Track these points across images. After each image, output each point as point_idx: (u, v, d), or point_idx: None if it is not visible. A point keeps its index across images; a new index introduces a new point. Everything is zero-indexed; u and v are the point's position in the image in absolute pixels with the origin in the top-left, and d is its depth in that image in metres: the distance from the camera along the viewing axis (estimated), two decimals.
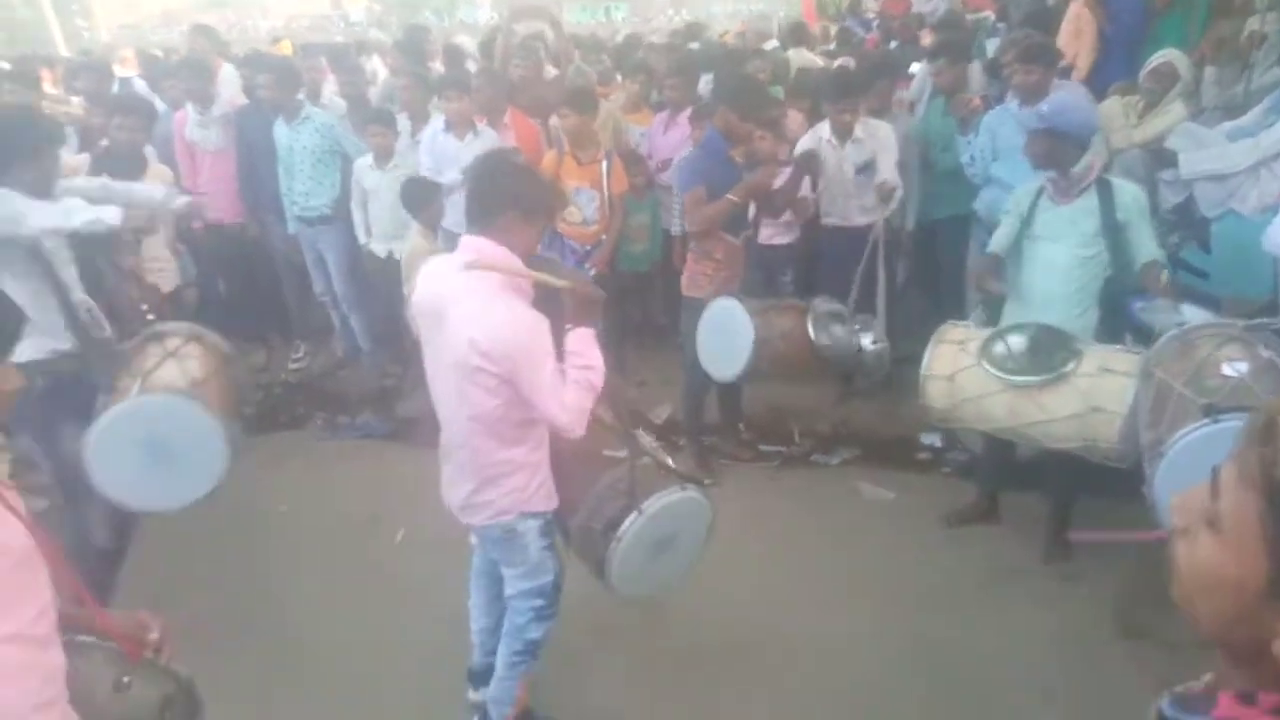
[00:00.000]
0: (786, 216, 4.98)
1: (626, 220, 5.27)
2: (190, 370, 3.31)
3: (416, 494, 4.45)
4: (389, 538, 4.15)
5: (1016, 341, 3.42)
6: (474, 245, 2.39)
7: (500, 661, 2.84)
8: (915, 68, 6.16)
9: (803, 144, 4.70)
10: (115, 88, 6.20)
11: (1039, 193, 3.61)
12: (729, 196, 4.01)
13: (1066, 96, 3.56)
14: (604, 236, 5.11)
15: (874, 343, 4.05)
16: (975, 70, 5.98)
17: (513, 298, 2.35)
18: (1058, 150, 3.43)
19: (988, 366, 3.39)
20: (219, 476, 3.20)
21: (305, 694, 3.24)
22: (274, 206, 5.53)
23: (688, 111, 5.28)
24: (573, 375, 2.39)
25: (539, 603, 2.73)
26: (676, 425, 4.86)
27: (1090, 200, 3.47)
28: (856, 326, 4.04)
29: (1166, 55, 4.70)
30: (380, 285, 5.28)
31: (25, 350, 2.63)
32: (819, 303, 4.05)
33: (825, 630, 3.46)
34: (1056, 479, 3.76)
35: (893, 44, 7.91)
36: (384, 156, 5.09)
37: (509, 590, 2.77)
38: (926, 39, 6.93)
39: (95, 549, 3.36)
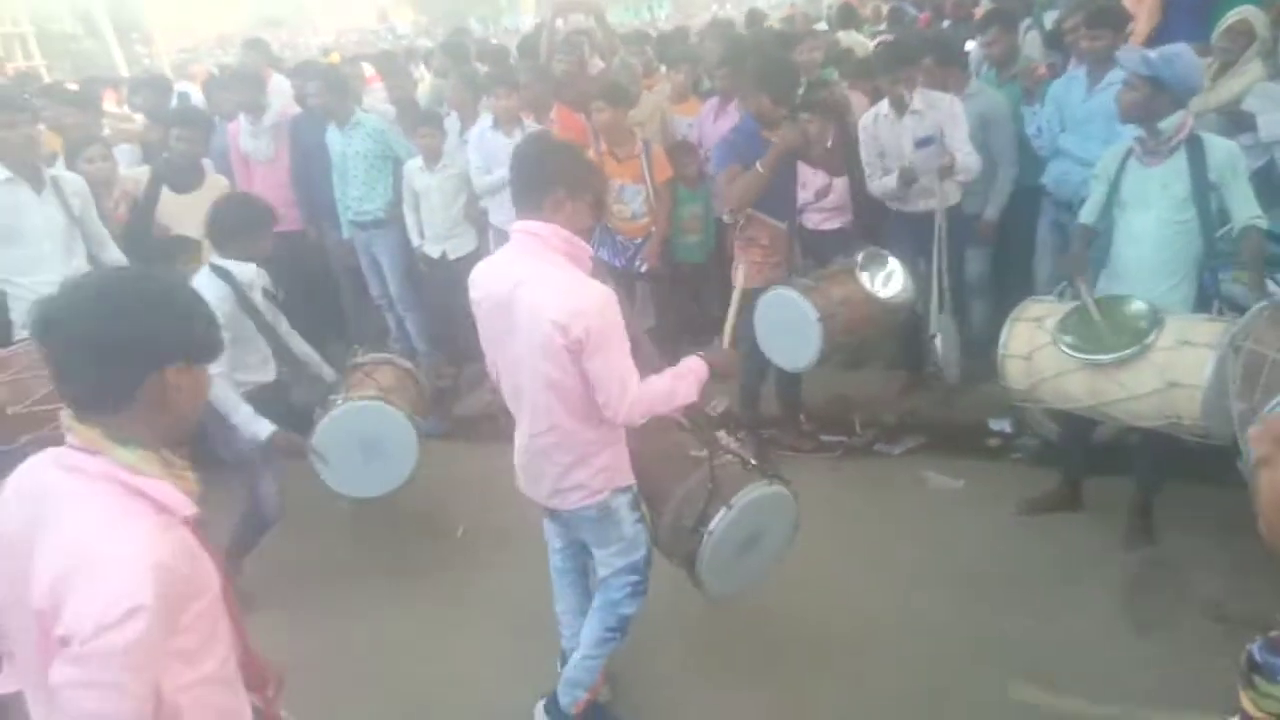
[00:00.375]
0: (832, 199, 4.88)
1: (679, 211, 5.21)
2: (380, 380, 3.94)
3: (475, 491, 4.51)
4: (449, 534, 4.15)
5: (1094, 315, 3.25)
6: (529, 229, 2.39)
7: (589, 639, 2.80)
8: (970, 45, 5.98)
9: (863, 123, 4.56)
10: (173, 102, 6.35)
11: (1126, 155, 3.37)
12: (757, 167, 3.91)
13: (1179, 46, 3.28)
14: (654, 229, 5.05)
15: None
16: (1034, 40, 5.79)
17: (579, 272, 2.37)
18: (1154, 103, 3.17)
19: (1063, 345, 3.23)
20: (414, 462, 3.85)
21: (369, 689, 3.24)
22: (328, 212, 5.60)
23: (738, 99, 5.19)
24: (663, 381, 2.44)
25: (634, 579, 2.71)
26: (734, 418, 4.78)
27: (1180, 160, 3.22)
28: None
29: (1243, 12, 4.44)
30: (434, 287, 5.30)
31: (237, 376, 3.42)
32: (861, 256, 3.95)
33: (896, 620, 3.35)
34: (1141, 462, 3.58)
35: (945, 23, 7.71)
36: (433, 158, 5.11)
37: (603, 571, 2.74)
38: (979, 14, 6.73)
39: (261, 521, 3.78)
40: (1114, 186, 3.39)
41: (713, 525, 2.62)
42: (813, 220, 4.92)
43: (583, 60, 5.98)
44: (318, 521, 4.33)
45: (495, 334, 2.48)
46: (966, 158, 4.23)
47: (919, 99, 4.34)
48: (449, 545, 4.10)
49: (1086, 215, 3.54)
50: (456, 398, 5.47)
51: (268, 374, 3.71)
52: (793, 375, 4.32)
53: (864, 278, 3.85)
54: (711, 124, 5.40)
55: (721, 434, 2.87)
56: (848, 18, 7.59)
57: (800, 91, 4.44)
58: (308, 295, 5.90)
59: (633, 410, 2.37)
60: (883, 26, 7.70)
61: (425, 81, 7.01)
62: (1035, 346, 3.34)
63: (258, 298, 3.59)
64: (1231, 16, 4.48)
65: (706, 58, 5.85)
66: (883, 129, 4.43)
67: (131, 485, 1.40)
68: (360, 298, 5.87)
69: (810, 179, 4.87)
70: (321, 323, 5.97)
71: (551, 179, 2.37)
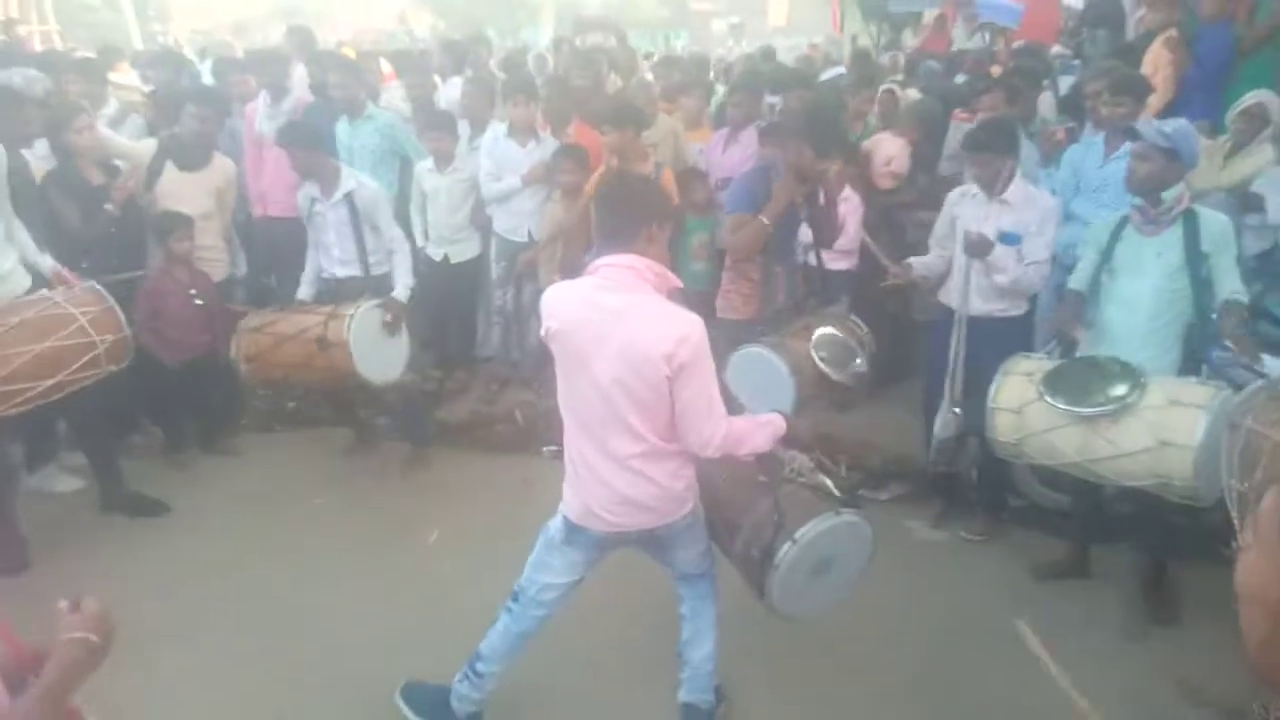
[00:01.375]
0: (843, 242, 4.86)
1: (686, 238, 5.18)
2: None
3: (452, 497, 4.44)
4: (423, 538, 4.07)
5: (1079, 372, 3.27)
6: (624, 262, 2.47)
7: (705, 630, 2.89)
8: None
9: (950, 198, 4.17)
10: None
11: (1120, 224, 3.47)
12: (760, 218, 3.85)
13: (1184, 122, 3.44)
14: None
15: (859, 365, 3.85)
16: (1046, 102, 5.85)
17: (668, 301, 2.49)
18: (1168, 173, 3.30)
19: (1049, 398, 3.23)
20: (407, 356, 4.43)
21: (335, 692, 3.15)
22: None
23: (749, 129, 5.20)
24: (744, 423, 2.55)
25: (710, 564, 2.86)
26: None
27: (1176, 231, 3.34)
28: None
29: (1258, 96, 4.52)
30: (431, 289, 5.23)
31: None
32: (822, 324, 3.87)
33: (875, 671, 3.29)
34: (1149, 531, 3.58)
35: (959, 78, 7.78)
36: (444, 160, 5.07)
37: (694, 569, 2.83)
38: (996, 73, 6.80)
39: None
40: (1106, 255, 3.48)
41: (778, 559, 2.63)
42: (825, 258, 4.90)
43: (600, 76, 5.99)
44: (288, 517, 4.25)
45: (577, 362, 2.50)
46: (1033, 270, 3.85)
47: (1015, 191, 3.89)
48: (421, 550, 4.00)
49: (1077, 282, 3.61)
50: (441, 402, 5.40)
51: None
52: None
53: (815, 355, 3.75)
54: (720, 154, 5.40)
55: (794, 454, 2.90)
56: (864, 66, 7.64)
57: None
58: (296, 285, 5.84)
59: (718, 440, 2.46)
60: (900, 77, 7.76)
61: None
62: (1025, 401, 3.32)
63: None
64: (1247, 99, 4.55)
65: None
66: (967, 208, 4.01)
67: None
68: None
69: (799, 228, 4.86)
70: None
71: (646, 215, 2.50)
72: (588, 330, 2.46)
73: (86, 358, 3.68)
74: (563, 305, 2.54)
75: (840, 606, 3.56)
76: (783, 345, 3.78)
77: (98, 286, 3.91)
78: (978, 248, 3.78)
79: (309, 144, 4.31)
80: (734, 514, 2.80)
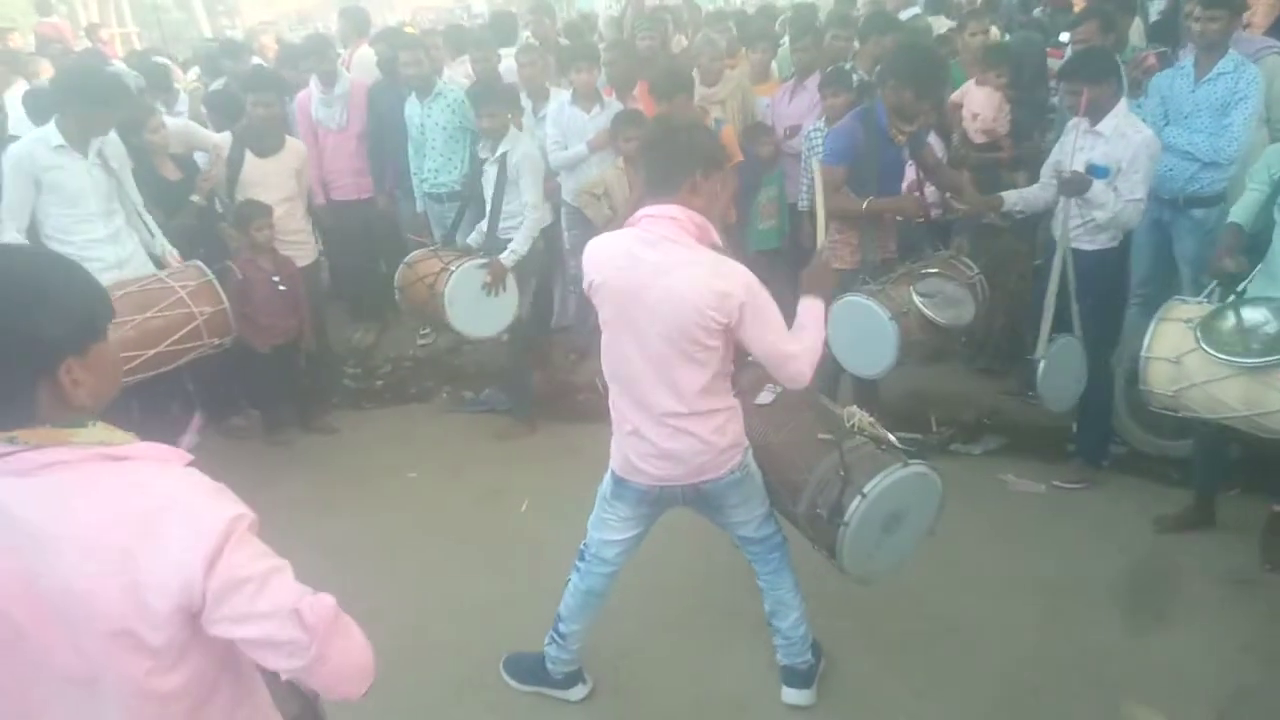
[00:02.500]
0: (928, 194, 4.69)
1: (755, 196, 5.09)
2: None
3: (538, 466, 4.50)
4: (514, 507, 4.15)
5: (1249, 318, 3.03)
6: (666, 212, 2.38)
7: (788, 600, 2.85)
8: (1065, 36, 5.71)
9: (1068, 125, 3.93)
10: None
11: None
12: (862, 205, 3.73)
13: None
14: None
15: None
16: (1136, 28, 5.52)
17: (714, 254, 2.38)
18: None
19: (1207, 347, 3.00)
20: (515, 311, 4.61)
21: (431, 661, 3.24)
22: (401, 183, 5.63)
23: (815, 76, 5.05)
24: (808, 332, 2.46)
25: (774, 524, 2.79)
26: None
27: None
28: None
29: None
30: None
31: None
32: (928, 268, 3.74)
33: (971, 624, 3.23)
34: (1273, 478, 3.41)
35: (1037, 10, 7.40)
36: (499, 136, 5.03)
37: (755, 534, 2.76)
38: (1078, 3, 6.43)
39: None
40: (1278, 185, 3.19)
41: (848, 516, 2.55)
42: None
43: (666, 37, 5.89)
44: (383, 491, 4.38)
45: (618, 316, 2.46)
46: (1131, 208, 3.65)
47: (1109, 123, 3.70)
48: (514, 519, 4.08)
49: (1239, 215, 3.33)
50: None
51: None
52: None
53: (918, 299, 3.63)
54: (787, 105, 5.26)
55: (853, 410, 2.77)
56: (938, 2, 7.31)
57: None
58: (375, 263, 5.97)
59: (808, 366, 2.40)
60: (978, 5, 7.37)
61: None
62: (1184, 350, 3.10)
63: None
64: None
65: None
66: (1066, 139, 3.86)
67: (119, 455, 1.27)
68: None
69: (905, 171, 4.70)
70: (389, 292, 6.02)
71: (690, 163, 2.38)
72: (628, 283, 2.39)
73: (187, 328, 3.86)
74: (603, 258, 2.47)
75: (938, 563, 3.54)
76: (883, 292, 3.69)
77: (199, 263, 4.11)
78: (1071, 185, 3.61)
79: (498, 102, 4.60)
80: (794, 474, 2.71)
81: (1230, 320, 3.05)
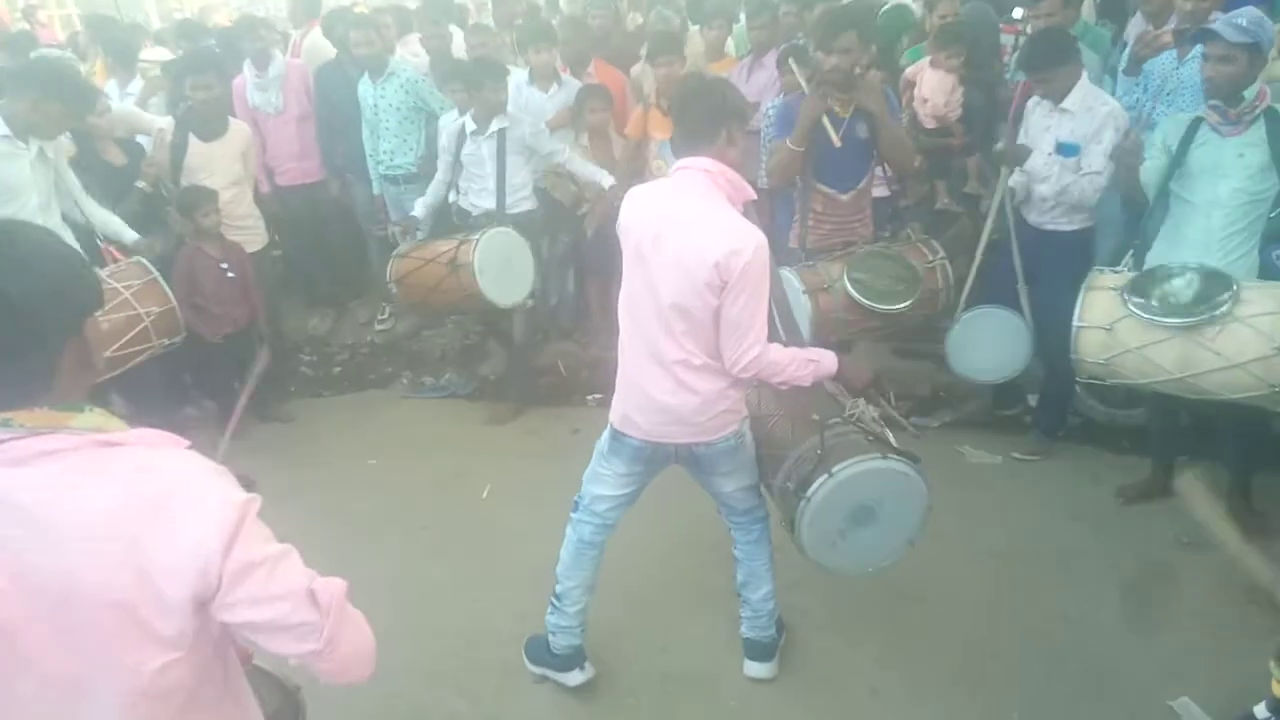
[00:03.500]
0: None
1: None
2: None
3: (501, 450, 4.48)
4: (476, 493, 4.12)
5: (1173, 282, 3.10)
6: (700, 165, 2.40)
7: (760, 573, 2.88)
8: (1018, 12, 5.75)
9: (1029, 105, 3.92)
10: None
11: (1193, 126, 3.26)
12: (786, 144, 3.68)
13: (1253, 9, 3.17)
14: None
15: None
16: (1088, 6, 5.57)
17: (736, 211, 2.41)
18: (1252, 71, 3.08)
19: (1141, 311, 3.07)
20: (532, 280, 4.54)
21: (398, 643, 3.20)
22: (356, 166, 5.51)
23: (772, 53, 5.04)
24: (786, 353, 2.45)
25: (757, 501, 2.80)
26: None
27: (1258, 131, 3.13)
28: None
29: None
30: None
31: None
32: (875, 250, 3.75)
33: (933, 594, 3.28)
34: (1234, 446, 3.48)
35: None
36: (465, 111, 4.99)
37: (741, 505, 2.79)
38: None
39: None
40: (1177, 159, 3.28)
41: (811, 491, 2.50)
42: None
43: (618, 14, 5.84)
44: (342, 477, 4.33)
45: (637, 261, 2.48)
46: (1085, 181, 3.67)
47: (1075, 98, 3.70)
48: (476, 505, 4.06)
49: (1149, 178, 3.42)
50: (484, 357, 5.42)
51: None
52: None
53: (849, 278, 3.65)
54: (745, 82, 5.24)
55: (860, 402, 2.69)
56: None
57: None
58: (327, 250, 5.86)
59: (749, 362, 2.40)
60: None
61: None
62: (1116, 317, 3.15)
63: None
64: None
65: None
66: (1033, 118, 3.87)
67: (116, 441, 1.24)
68: (388, 255, 5.78)
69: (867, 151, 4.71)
70: (345, 279, 5.94)
71: (725, 114, 2.41)
72: (648, 231, 2.43)
73: (134, 331, 3.73)
74: (634, 203, 2.53)
75: None
76: (813, 267, 3.70)
77: (143, 260, 3.97)
78: (1006, 156, 3.67)
79: (496, 77, 4.49)
80: (780, 449, 2.73)
81: (1156, 285, 3.12)
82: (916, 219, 4.73)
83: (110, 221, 4.15)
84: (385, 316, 5.85)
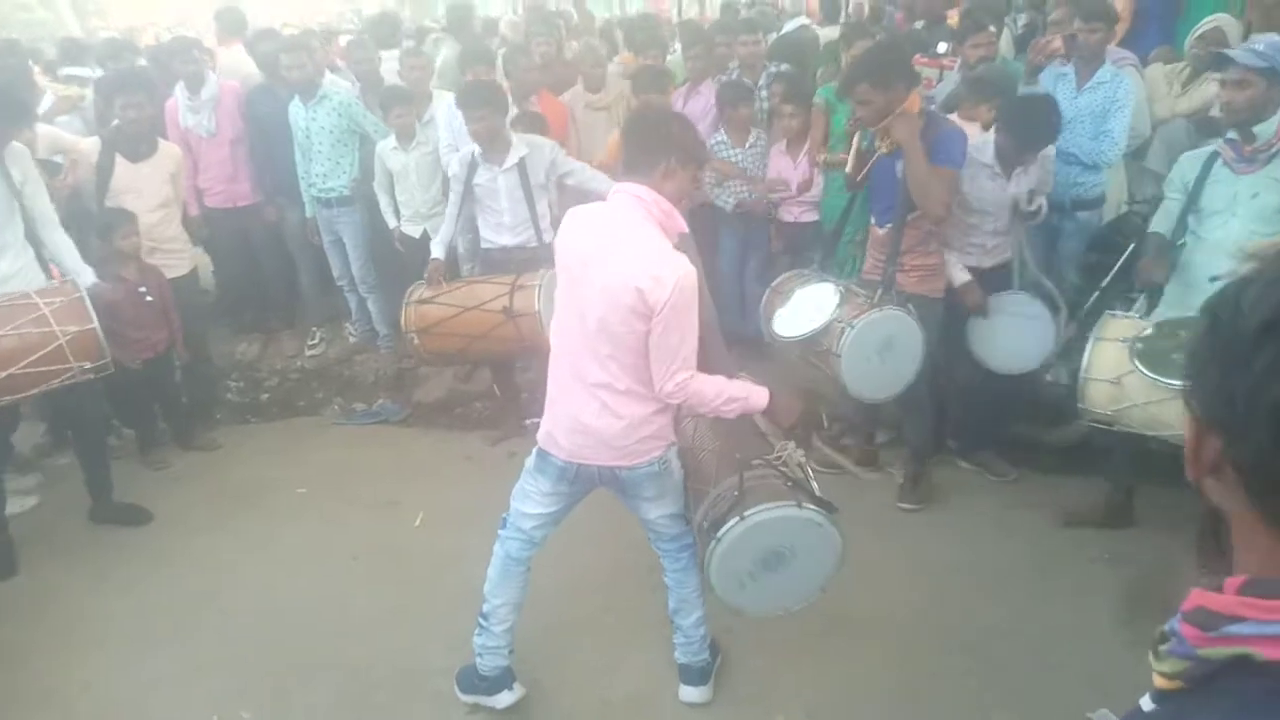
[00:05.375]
0: (814, 194, 4.84)
1: None
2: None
3: (434, 477, 4.40)
4: (408, 521, 4.04)
5: (1177, 337, 3.02)
6: (635, 191, 2.43)
7: (695, 617, 2.88)
8: (942, 47, 5.98)
9: (975, 142, 3.80)
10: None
11: (1209, 161, 3.20)
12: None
13: (1275, 37, 3.11)
14: None
15: None
16: (1006, 40, 5.82)
17: (667, 243, 2.42)
18: (1270, 97, 2.98)
19: (1146, 370, 2.99)
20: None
21: (327, 676, 3.12)
22: (287, 189, 5.41)
23: (707, 82, 5.17)
24: (716, 384, 2.46)
25: (684, 524, 2.78)
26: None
27: (1274, 170, 3.04)
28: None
29: (1216, 20, 4.52)
30: (408, 267, 5.08)
31: None
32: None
33: (871, 613, 3.31)
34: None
35: (919, 24, 7.72)
36: (407, 137, 4.96)
37: (668, 531, 2.78)
38: (953, 19, 6.73)
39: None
40: (1193, 195, 3.23)
41: (722, 532, 2.50)
42: (792, 213, 4.89)
43: (560, 42, 5.89)
44: (271, 506, 4.21)
45: (569, 283, 2.50)
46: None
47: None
48: (409, 533, 3.97)
49: (1160, 225, 3.37)
50: (417, 383, 5.34)
51: None
52: None
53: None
54: (681, 109, 5.33)
55: (790, 445, 2.70)
56: (833, 13, 7.55)
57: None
58: (257, 274, 5.72)
59: (675, 389, 2.41)
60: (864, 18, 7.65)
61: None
62: (1123, 371, 3.11)
63: None
64: (1205, 24, 4.55)
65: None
66: (980, 179, 3.79)
67: None
68: (320, 279, 5.68)
69: (791, 173, 4.83)
70: (274, 303, 5.81)
71: (666, 148, 2.44)
72: (579, 253, 2.45)
73: (47, 348, 3.52)
74: (569, 224, 2.55)
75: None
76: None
77: (74, 280, 3.78)
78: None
79: (491, 105, 4.21)
80: (705, 484, 2.72)
81: (1166, 341, 3.04)
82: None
83: (67, 255, 3.91)
84: (316, 341, 5.73)
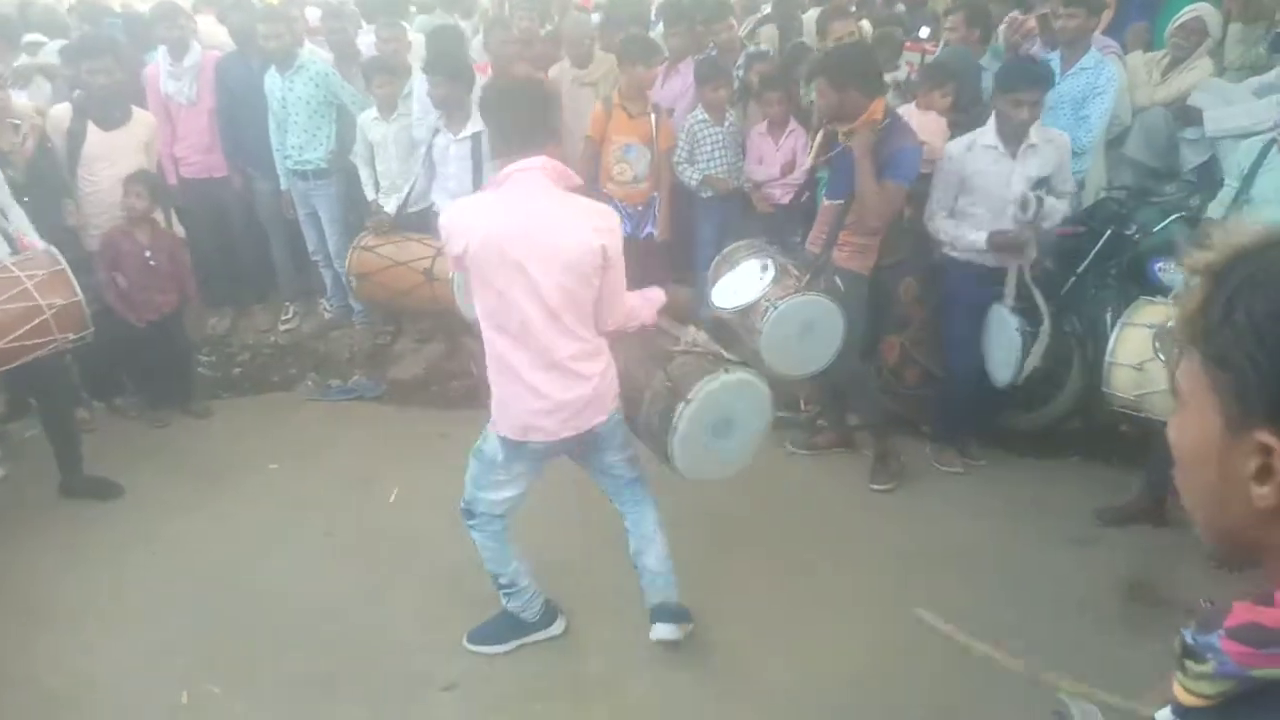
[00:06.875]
0: (797, 175, 4.82)
1: None
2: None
3: (409, 454, 4.37)
4: (382, 498, 4.02)
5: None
6: (539, 164, 2.51)
7: (653, 534, 2.94)
8: (924, 32, 5.96)
9: (949, 152, 3.80)
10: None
11: (1265, 150, 3.12)
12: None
13: None
14: (655, 194, 4.91)
15: None
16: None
17: (587, 199, 2.64)
18: None
19: (1163, 357, 2.98)
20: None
21: (299, 654, 3.11)
22: (258, 161, 5.30)
23: (687, 61, 5.13)
24: (634, 298, 2.74)
25: (637, 466, 2.91)
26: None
27: None
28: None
29: (1196, 10, 4.52)
30: None
31: None
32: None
33: (846, 592, 3.35)
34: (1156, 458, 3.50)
35: (899, 6, 7.68)
36: (388, 107, 4.88)
37: (627, 475, 2.89)
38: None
39: None
40: (1246, 182, 3.16)
41: (675, 420, 2.69)
42: (773, 196, 4.87)
43: (544, 17, 5.82)
44: (244, 482, 4.17)
45: (509, 272, 2.48)
46: (1062, 203, 3.75)
47: (1036, 133, 3.64)
48: (383, 509, 3.95)
49: (1215, 210, 3.29)
50: (393, 359, 5.30)
51: None
52: None
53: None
54: (660, 88, 5.29)
55: (691, 329, 2.93)
56: None
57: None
58: (231, 247, 5.63)
59: (621, 316, 2.66)
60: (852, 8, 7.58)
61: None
62: (1146, 357, 3.10)
63: None
64: (1185, 13, 4.55)
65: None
66: (980, 162, 3.69)
67: None
68: (294, 252, 5.60)
69: (773, 157, 4.80)
70: (247, 277, 5.71)
71: (549, 114, 2.61)
72: (518, 237, 2.46)
73: (32, 323, 3.49)
74: (475, 220, 2.52)
75: (802, 535, 3.67)
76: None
77: (53, 250, 3.72)
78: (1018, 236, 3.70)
79: (454, 75, 4.40)
80: (634, 391, 2.85)
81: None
82: (913, 274, 4.40)
83: (20, 224, 3.88)
84: (290, 316, 5.66)
